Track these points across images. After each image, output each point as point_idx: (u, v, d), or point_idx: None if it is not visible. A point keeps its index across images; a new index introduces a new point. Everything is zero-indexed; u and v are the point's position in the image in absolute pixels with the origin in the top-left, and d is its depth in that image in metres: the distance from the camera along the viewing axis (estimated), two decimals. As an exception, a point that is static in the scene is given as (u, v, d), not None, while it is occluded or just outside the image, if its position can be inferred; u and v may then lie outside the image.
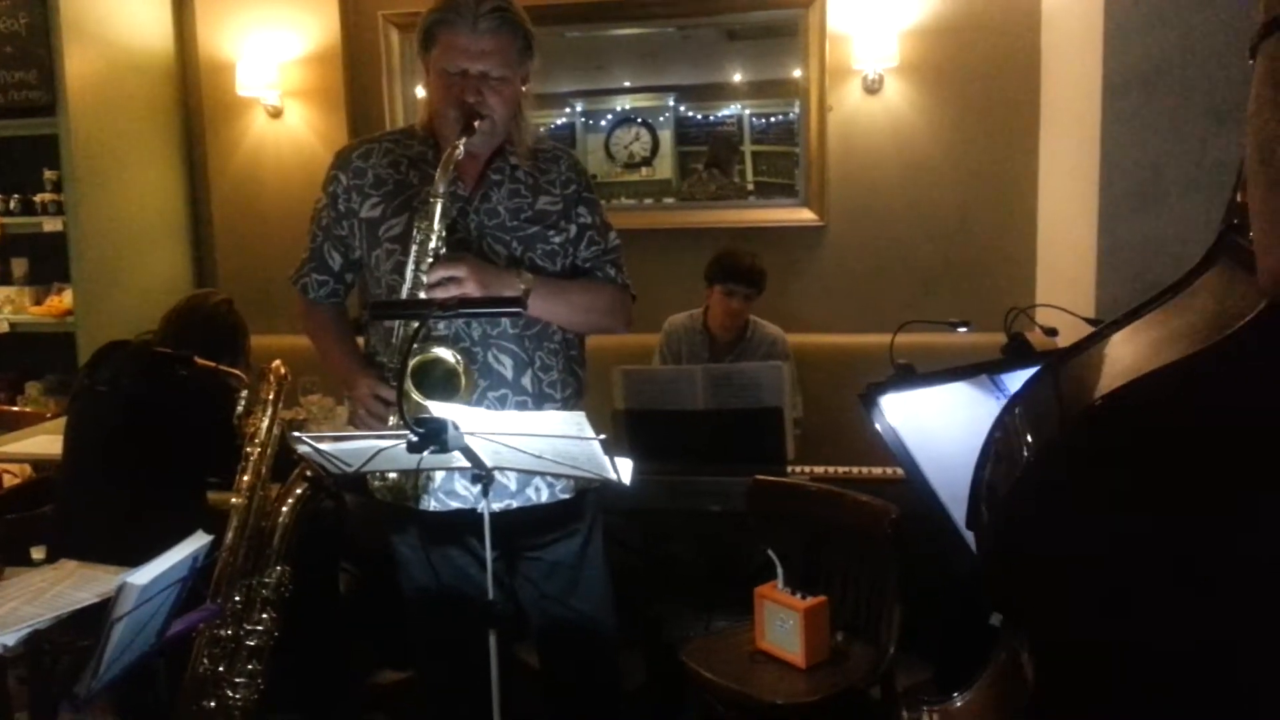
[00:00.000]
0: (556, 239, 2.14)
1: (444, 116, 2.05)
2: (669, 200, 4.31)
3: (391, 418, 2.00)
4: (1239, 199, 0.97)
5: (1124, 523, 0.92)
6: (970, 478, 1.06)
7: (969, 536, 1.26)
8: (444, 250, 1.97)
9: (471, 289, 1.93)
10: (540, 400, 2.13)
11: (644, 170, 4.32)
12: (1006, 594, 1.03)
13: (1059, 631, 1.00)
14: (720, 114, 4.26)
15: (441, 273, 1.93)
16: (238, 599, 2.42)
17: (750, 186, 4.23)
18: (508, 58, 2.03)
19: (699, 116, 4.28)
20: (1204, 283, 0.99)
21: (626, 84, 4.35)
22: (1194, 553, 0.92)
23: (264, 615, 2.44)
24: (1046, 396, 1.01)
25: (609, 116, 4.32)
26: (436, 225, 1.96)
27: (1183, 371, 0.87)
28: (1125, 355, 0.98)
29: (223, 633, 2.41)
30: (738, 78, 4.23)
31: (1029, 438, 0.98)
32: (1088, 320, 1.76)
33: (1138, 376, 0.90)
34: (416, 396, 1.92)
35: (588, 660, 2.32)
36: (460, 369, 1.97)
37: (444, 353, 1.97)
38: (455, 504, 2.11)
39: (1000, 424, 1.03)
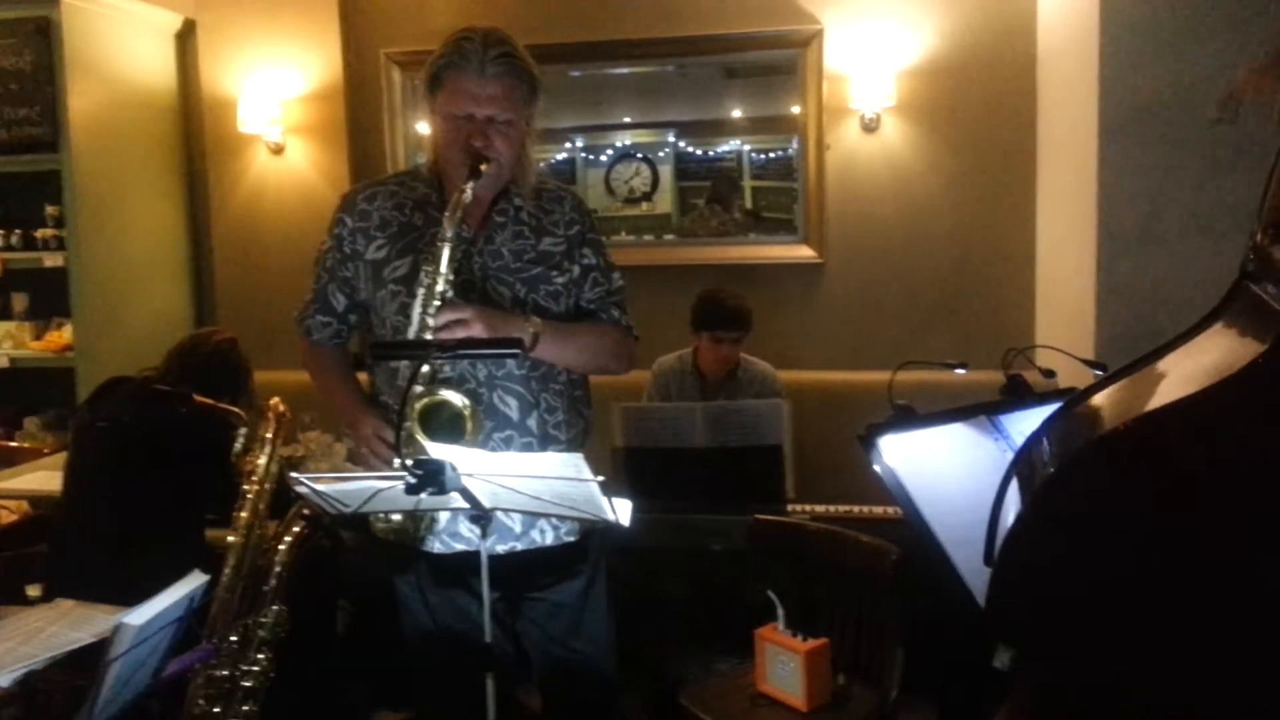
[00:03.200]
0: (560, 280, 2.15)
1: (450, 159, 2.07)
2: (669, 236, 4.32)
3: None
4: (1257, 240, 0.97)
5: (1123, 557, 0.92)
6: (969, 519, 1.06)
7: (969, 578, 1.26)
8: (450, 293, 1.96)
9: (479, 332, 1.93)
10: (545, 441, 2.12)
11: (644, 205, 4.34)
12: (1012, 627, 1.03)
13: (1063, 669, 0.99)
14: (720, 149, 4.28)
15: (449, 315, 1.93)
16: (234, 639, 2.40)
17: (750, 220, 4.25)
18: (514, 101, 2.05)
19: (699, 152, 4.31)
20: (1219, 326, 1.00)
21: (627, 120, 4.38)
22: (1197, 590, 0.92)
23: (260, 655, 2.42)
24: (1071, 429, 1.01)
25: (609, 152, 4.35)
26: (444, 268, 1.94)
27: (1185, 411, 0.88)
28: (1129, 396, 0.99)
29: (218, 673, 2.39)
30: (737, 114, 4.26)
31: (1046, 469, 0.99)
32: (1086, 362, 1.75)
33: (1142, 414, 0.91)
34: (421, 438, 1.92)
35: (589, 703, 2.30)
36: (467, 412, 1.96)
37: (452, 395, 1.96)
38: (460, 546, 2.10)
39: (1023, 456, 1.04)
